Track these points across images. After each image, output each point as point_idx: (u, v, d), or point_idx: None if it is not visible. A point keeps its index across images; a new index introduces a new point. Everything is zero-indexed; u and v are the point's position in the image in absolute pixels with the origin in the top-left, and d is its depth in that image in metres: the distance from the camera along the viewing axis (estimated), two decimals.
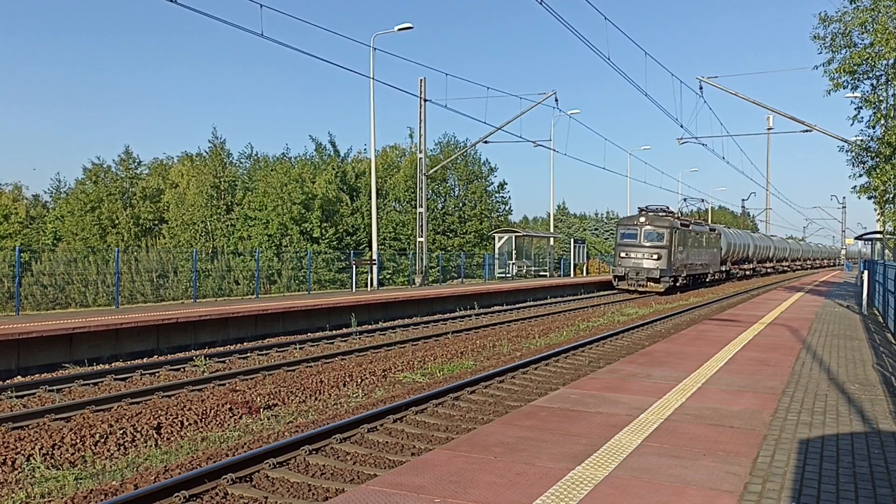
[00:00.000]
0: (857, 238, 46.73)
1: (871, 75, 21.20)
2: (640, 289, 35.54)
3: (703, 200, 51.23)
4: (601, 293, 37.89)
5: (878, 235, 32.37)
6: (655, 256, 35.37)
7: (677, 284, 37.37)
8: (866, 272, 25.51)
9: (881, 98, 21.19)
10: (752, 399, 8.01)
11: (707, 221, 70.58)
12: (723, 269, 49.69)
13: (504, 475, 5.16)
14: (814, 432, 6.59)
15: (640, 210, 38.39)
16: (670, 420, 6.92)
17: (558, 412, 7.18)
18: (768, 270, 69.05)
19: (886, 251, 32.05)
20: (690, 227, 39.87)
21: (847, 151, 23.55)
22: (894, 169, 20.42)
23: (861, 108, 22.13)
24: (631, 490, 4.87)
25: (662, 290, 35.19)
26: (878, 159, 21.76)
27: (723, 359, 10.94)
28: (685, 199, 50.12)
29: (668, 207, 38.91)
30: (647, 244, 35.83)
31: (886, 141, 20.39)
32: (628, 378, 9.15)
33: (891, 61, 20.13)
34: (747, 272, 59.75)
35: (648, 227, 36.16)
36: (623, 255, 36.43)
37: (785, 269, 77.74)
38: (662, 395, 8.11)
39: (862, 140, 22.91)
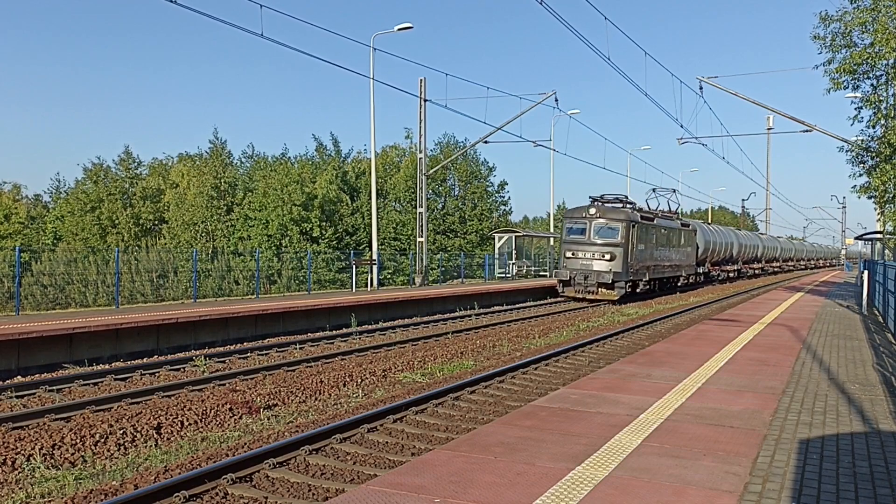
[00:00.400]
0: (857, 238, 46.71)
1: (871, 75, 21.20)
2: (590, 297, 29.34)
3: (674, 191, 41.73)
4: None
5: (878, 235, 32.37)
6: (608, 256, 29.21)
7: (637, 290, 31.81)
8: (866, 272, 25.52)
9: (881, 98, 21.19)
10: (752, 399, 8.01)
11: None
12: (700, 270, 43.84)
13: (504, 475, 5.16)
14: (814, 432, 6.59)
15: (592, 200, 31.98)
16: (670, 420, 6.92)
17: (558, 412, 7.18)
18: (756, 272, 62.62)
19: (886, 251, 32.06)
20: (655, 222, 33.69)
21: (847, 151, 23.58)
22: (894, 169, 20.43)
23: (861, 108, 22.14)
24: (631, 490, 4.87)
25: (616, 297, 29.26)
26: (878, 159, 21.77)
27: (723, 359, 10.94)
28: (654, 190, 41.63)
29: (626, 197, 32.86)
30: (599, 241, 29.59)
31: (887, 141, 20.40)
32: (628, 378, 9.15)
33: (891, 61, 20.13)
34: (731, 274, 53.48)
35: (600, 220, 29.87)
36: (569, 254, 30.06)
37: (776, 269, 71.89)
38: (662, 395, 8.11)
39: (862, 140, 22.93)
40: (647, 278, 32.52)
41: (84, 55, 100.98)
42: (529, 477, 5.12)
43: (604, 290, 29.23)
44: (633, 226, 30.36)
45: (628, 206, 31.97)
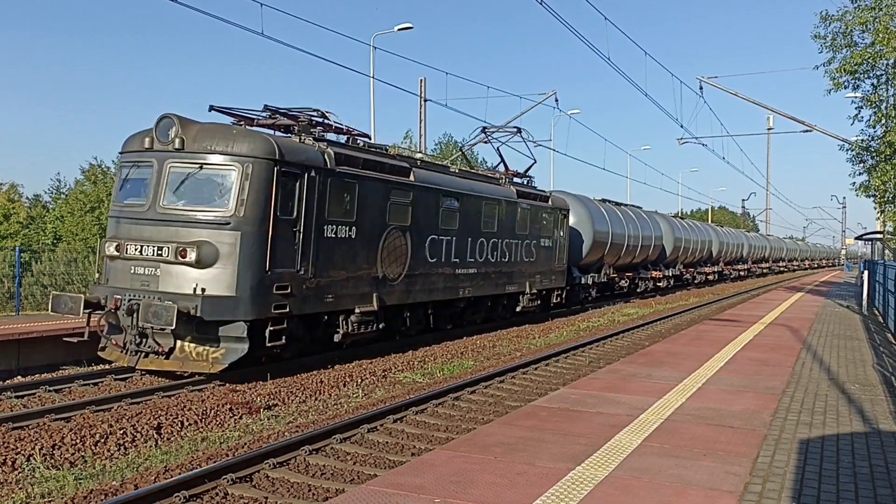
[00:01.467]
0: (857, 238, 46.74)
1: (871, 75, 21.22)
2: (145, 366, 11.00)
3: (518, 130, 21.17)
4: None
5: (878, 235, 32.40)
6: (195, 255, 10.45)
7: (339, 334, 12.98)
8: (866, 272, 25.54)
9: (882, 98, 21.20)
10: (753, 399, 8.01)
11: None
12: (588, 280, 25.46)
13: (504, 475, 5.16)
14: (814, 432, 6.59)
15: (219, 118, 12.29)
16: (670, 420, 6.92)
17: (558, 412, 7.17)
18: (708, 277, 44.03)
19: (886, 251, 32.08)
20: (413, 176, 14.47)
21: (847, 150, 23.63)
22: (895, 169, 20.44)
23: (862, 107, 22.18)
24: (631, 490, 4.87)
25: (220, 365, 10.84)
26: (878, 159, 21.80)
27: (723, 359, 10.94)
28: (484, 130, 21.50)
29: (324, 114, 13.19)
30: (182, 211, 10.83)
31: (887, 140, 20.41)
32: (628, 378, 9.14)
33: (891, 61, 20.13)
34: (661, 283, 34.84)
35: (187, 157, 10.84)
36: (112, 249, 11.10)
37: (741, 273, 54.32)
38: (662, 395, 8.11)
39: (863, 140, 22.97)
40: (377, 305, 13.53)
41: (84, 55, 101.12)
42: (529, 477, 5.12)
43: (189, 347, 10.98)
44: (301, 176, 11.45)
45: (309, 129, 12.54)
